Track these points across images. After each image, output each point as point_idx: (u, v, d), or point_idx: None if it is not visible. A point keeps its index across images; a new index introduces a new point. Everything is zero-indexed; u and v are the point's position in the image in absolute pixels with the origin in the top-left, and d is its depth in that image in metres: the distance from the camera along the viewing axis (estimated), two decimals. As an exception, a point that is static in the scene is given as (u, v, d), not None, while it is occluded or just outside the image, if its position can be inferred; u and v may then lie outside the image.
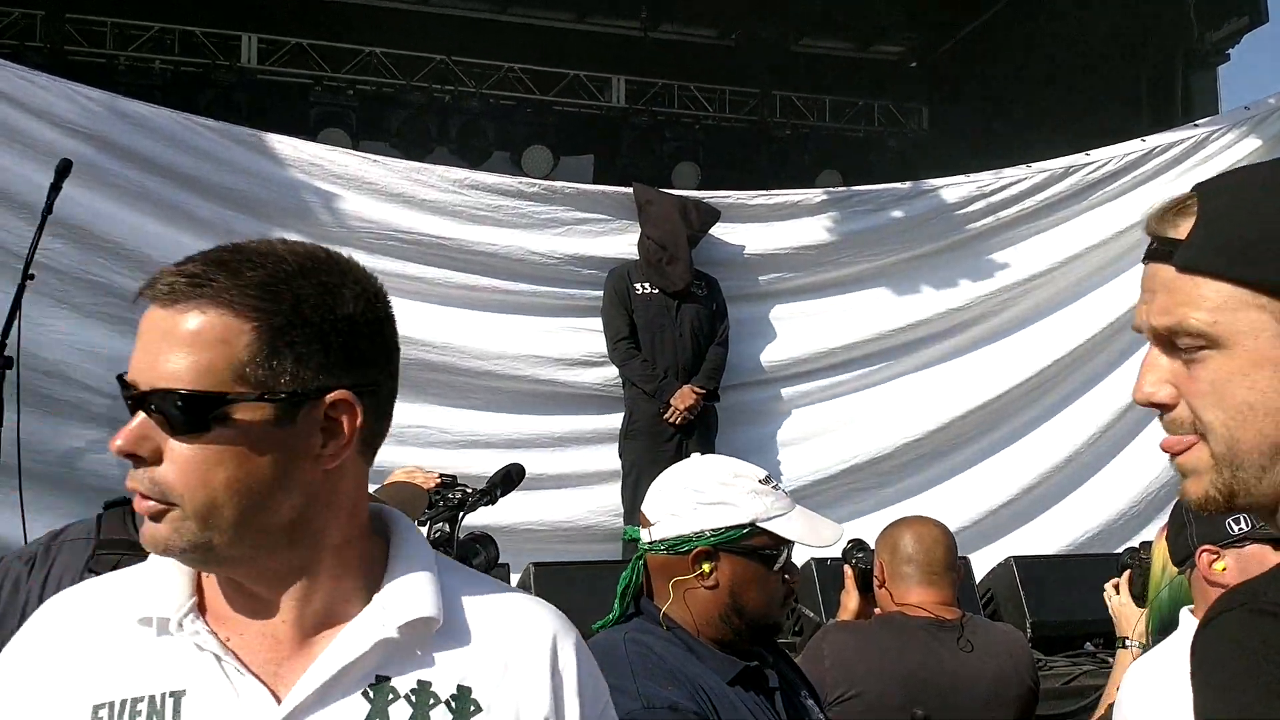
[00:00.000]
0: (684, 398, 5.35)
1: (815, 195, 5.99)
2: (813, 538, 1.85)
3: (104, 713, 1.03)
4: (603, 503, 5.43)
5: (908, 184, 6.12)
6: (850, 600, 2.93)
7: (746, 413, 5.73)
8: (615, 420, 5.51)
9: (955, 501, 5.66)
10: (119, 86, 5.59)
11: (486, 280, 5.46)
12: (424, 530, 2.39)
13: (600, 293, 5.55)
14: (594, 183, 7.16)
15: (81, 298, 4.81)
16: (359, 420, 1.06)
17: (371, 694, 1.05)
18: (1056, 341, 6.02)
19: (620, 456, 5.44)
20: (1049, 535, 5.79)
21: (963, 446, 5.89)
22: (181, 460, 0.99)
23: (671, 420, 5.34)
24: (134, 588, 1.10)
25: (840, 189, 6.33)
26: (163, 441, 1.00)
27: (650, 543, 1.84)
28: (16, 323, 4.10)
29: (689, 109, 9.35)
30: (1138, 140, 6.26)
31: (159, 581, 1.08)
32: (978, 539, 5.65)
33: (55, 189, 4.22)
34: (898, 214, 5.95)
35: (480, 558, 2.59)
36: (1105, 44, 8.21)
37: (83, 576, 1.53)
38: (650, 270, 5.48)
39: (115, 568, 1.51)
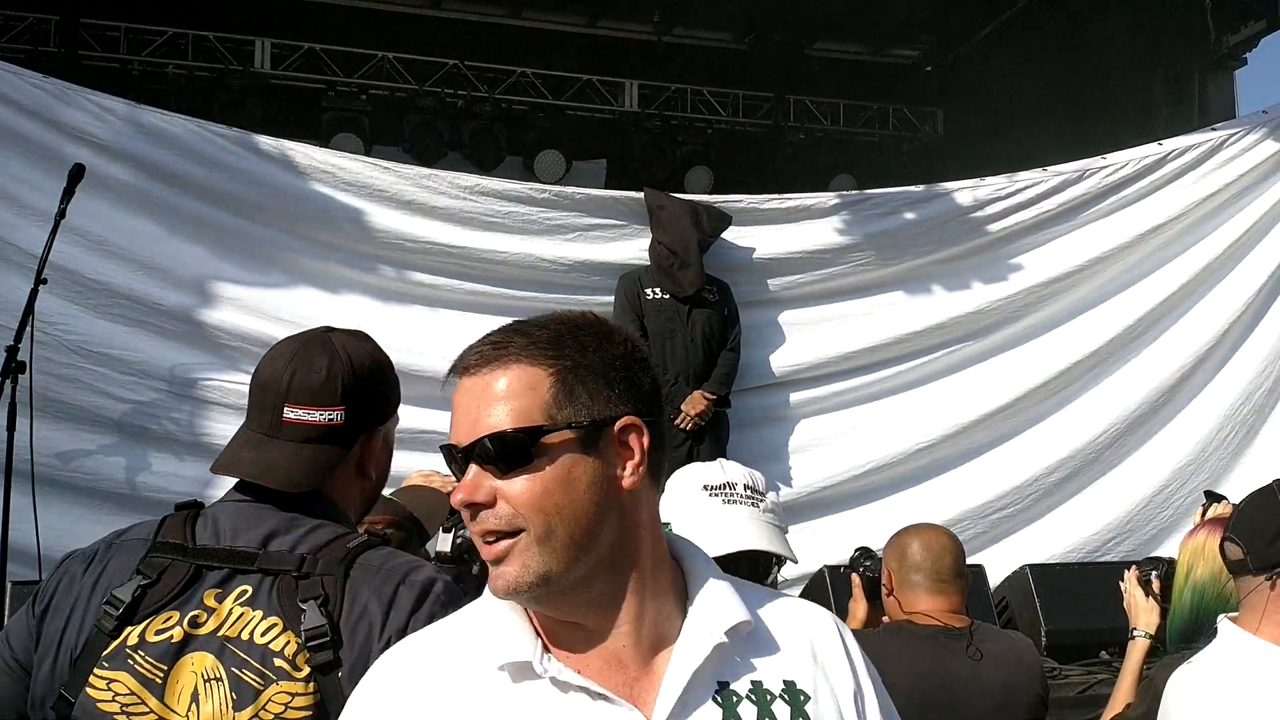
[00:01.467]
0: (695, 403, 5.33)
1: (828, 199, 5.97)
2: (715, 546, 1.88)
3: None
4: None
5: (921, 187, 6.08)
6: (858, 609, 2.92)
7: (758, 418, 5.71)
8: (626, 425, 5.49)
9: (968, 507, 5.64)
10: (132, 91, 5.63)
11: (497, 287, 5.46)
12: (448, 537, 2.38)
13: (611, 298, 5.53)
14: (606, 187, 7.16)
15: (94, 304, 4.83)
16: (646, 441, 1.18)
17: (719, 699, 1.16)
18: (1072, 347, 5.98)
19: (631, 462, 5.41)
20: (1064, 541, 5.75)
21: (976, 452, 5.85)
22: (514, 494, 1.14)
23: (682, 426, 5.32)
24: (476, 634, 1.20)
25: (853, 192, 6.30)
26: (494, 486, 1.14)
27: None
28: (29, 327, 4.12)
29: (702, 113, 9.34)
30: (1154, 144, 6.21)
31: (504, 627, 1.19)
32: (991, 544, 5.63)
33: (68, 194, 4.25)
34: (911, 217, 5.92)
35: None
36: (1121, 47, 8.16)
37: (131, 578, 1.54)
38: (661, 275, 5.47)
39: (163, 572, 1.53)
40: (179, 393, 4.86)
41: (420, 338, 5.34)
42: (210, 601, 1.52)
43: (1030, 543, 5.71)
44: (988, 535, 5.67)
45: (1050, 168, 6.09)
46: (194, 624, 1.50)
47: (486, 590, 1.23)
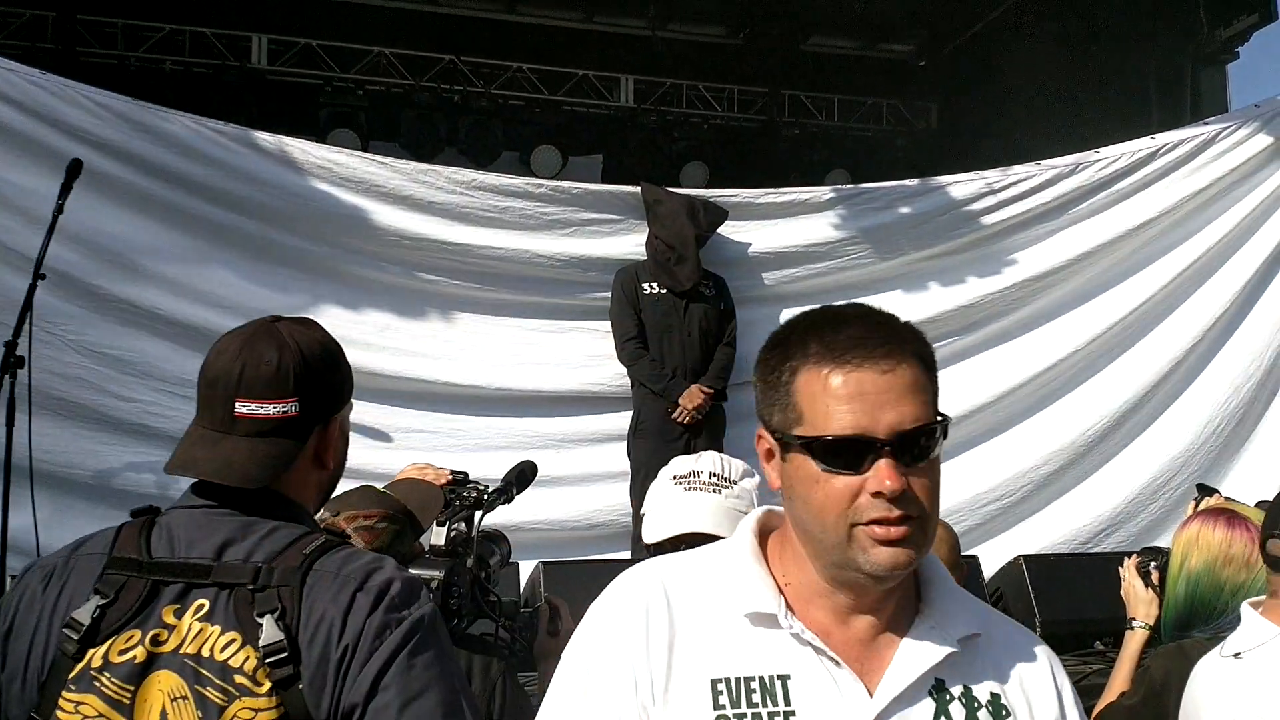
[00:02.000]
0: (692, 397, 5.35)
1: (823, 193, 5.99)
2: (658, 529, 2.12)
3: (721, 686, 1.22)
4: (611, 502, 5.44)
5: (916, 181, 6.11)
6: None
7: (754, 412, 5.73)
8: (623, 420, 5.52)
9: (962, 499, 5.66)
10: (129, 87, 5.61)
11: (495, 281, 5.47)
12: (442, 530, 2.39)
13: (608, 293, 5.55)
14: (602, 182, 7.17)
15: (93, 302, 4.84)
16: None
17: (934, 695, 1.26)
18: (1065, 339, 6.02)
19: (629, 456, 5.44)
20: (1056, 532, 5.80)
21: (970, 444, 5.88)
22: (919, 485, 1.23)
23: (680, 420, 5.35)
24: (724, 580, 1.30)
25: (848, 186, 6.33)
26: (905, 482, 1.22)
27: None
28: (28, 323, 4.13)
29: (697, 108, 9.36)
30: (1147, 138, 6.24)
31: (750, 580, 1.29)
32: (985, 536, 5.66)
33: (66, 189, 4.25)
34: (906, 211, 5.94)
35: (497, 556, 2.60)
36: (1114, 41, 8.19)
37: (90, 598, 1.53)
38: (658, 270, 5.49)
39: (120, 590, 1.52)
40: (177, 391, 4.86)
41: (418, 333, 5.37)
42: (169, 618, 1.51)
43: (1023, 534, 5.74)
44: (982, 527, 5.70)
45: (1044, 162, 6.12)
46: (156, 642, 1.50)
47: (730, 541, 1.36)
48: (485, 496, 2.53)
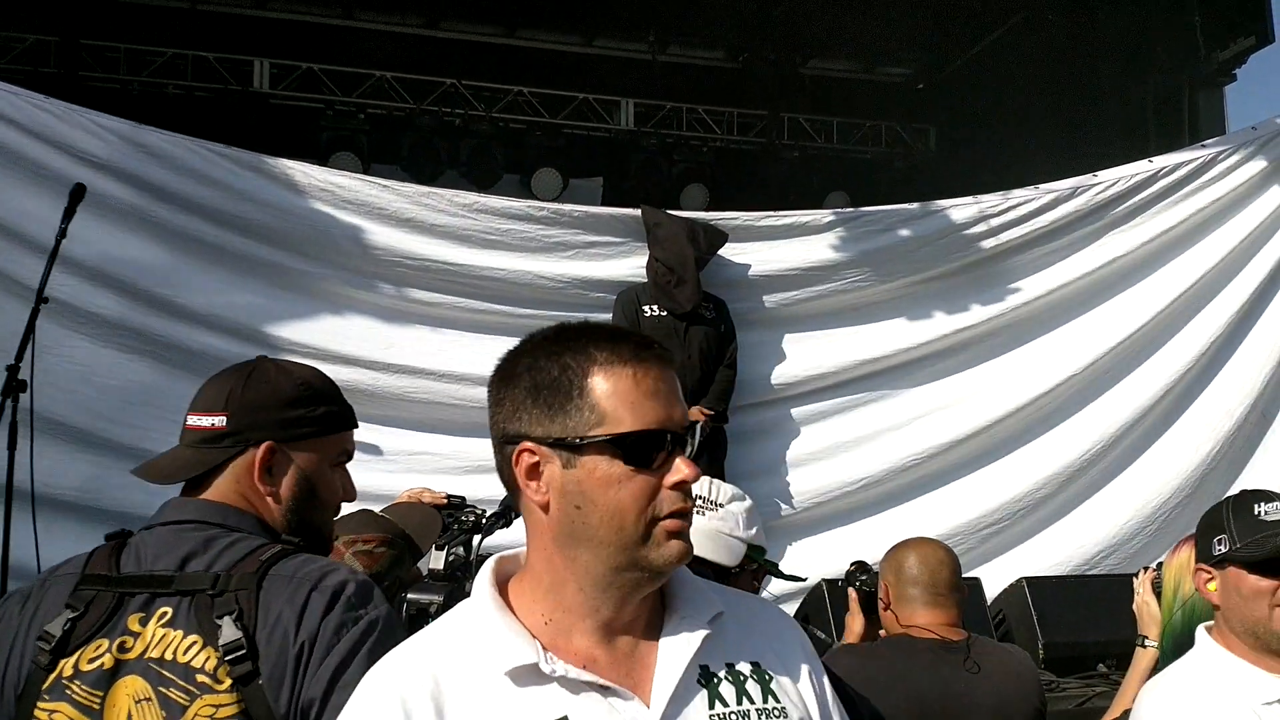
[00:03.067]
0: (692, 419, 5.35)
1: (823, 216, 6.00)
2: None
3: None
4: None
5: (916, 205, 6.13)
6: (855, 623, 2.93)
7: (754, 433, 5.74)
8: (624, 442, 5.50)
9: (963, 521, 5.66)
10: (132, 111, 5.64)
11: (495, 304, 5.47)
12: (440, 554, 2.39)
13: (609, 315, 5.56)
14: (603, 204, 7.20)
15: (95, 327, 4.84)
16: None
17: (703, 683, 1.29)
18: (1063, 362, 6.01)
19: (629, 478, 5.43)
20: (1055, 555, 5.78)
21: (971, 466, 5.88)
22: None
23: (680, 441, 5.34)
24: (474, 643, 1.26)
25: (848, 209, 6.34)
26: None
27: None
28: (31, 347, 4.13)
29: (697, 131, 9.41)
30: (1145, 161, 6.26)
31: (500, 634, 1.26)
32: (985, 559, 5.65)
33: (69, 213, 4.25)
34: (906, 234, 5.96)
35: None
36: (1112, 65, 8.24)
37: (61, 613, 1.61)
38: (658, 292, 5.50)
39: (90, 604, 1.60)
40: (179, 418, 4.84)
41: (419, 356, 5.37)
42: (135, 626, 1.59)
43: (1022, 557, 5.73)
44: (982, 550, 5.69)
45: (1042, 185, 6.14)
46: (122, 649, 1.57)
47: (470, 599, 1.32)
48: (483, 520, 2.53)
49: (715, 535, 2.17)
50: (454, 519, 2.53)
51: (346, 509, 2.39)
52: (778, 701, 1.31)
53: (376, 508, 2.50)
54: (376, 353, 5.26)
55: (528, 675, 1.23)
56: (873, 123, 9.83)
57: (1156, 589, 2.82)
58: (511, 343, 5.14)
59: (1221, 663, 2.06)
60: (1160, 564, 2.91)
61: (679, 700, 1.26)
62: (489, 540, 2.49)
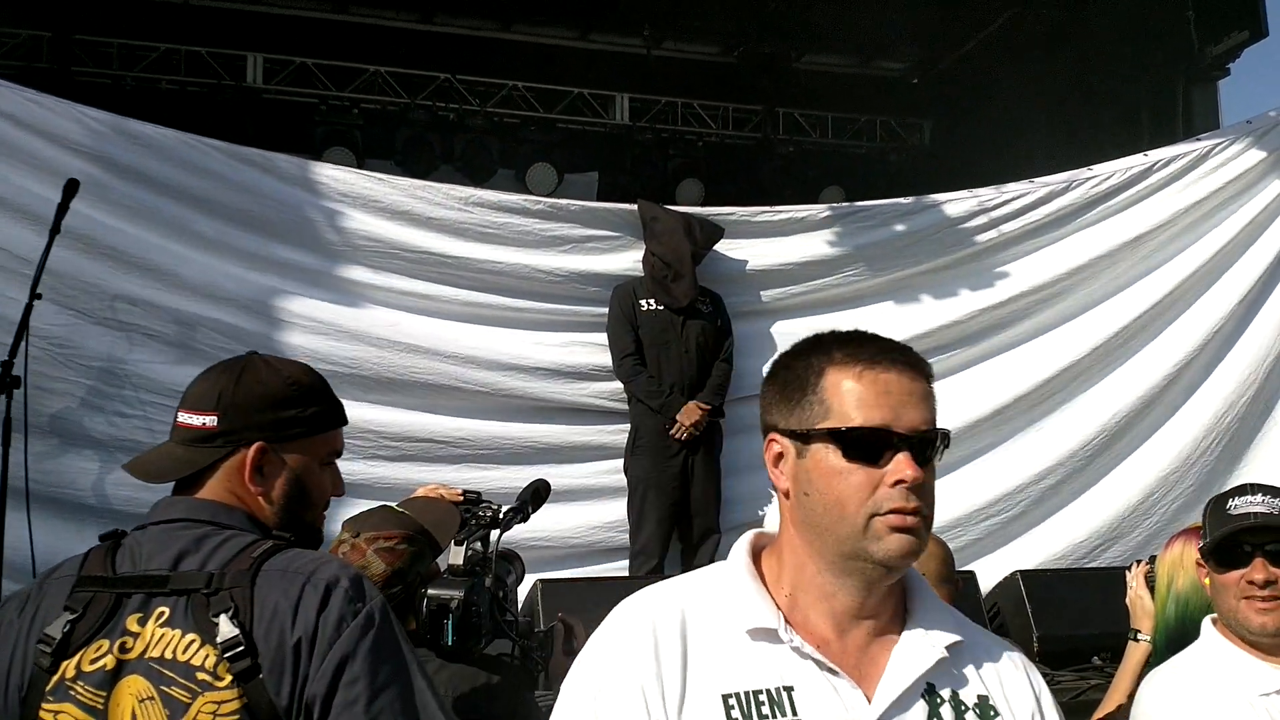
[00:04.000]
0: (689, 414, 5.36)
1: (818, 211, 6.01)
2: None
3: (733, 700, 1.28)
4: (608, 518, 5.44)
5: (910, 199, 6.14)
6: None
7: (751, 427, 5.73)
8: (621, 436, 5.52)
9: (958, 514, 5.67)
10: (125, 106, 5.63)
11: (492, 297, 5.48)
12: (459, 550, 2.40)
13: (605, 309, 5.56)
14: (598, 200, 7.19)
15: (88, 318, 4.82)
16: None
17: (926, 699, 1.33)
18: (1059, 354, 6.03)
19: (626, 472, 5.45)
20: (1052, 547, 5.79)
21: (966, 459, 5.88)
22: (928, 484, 1.33)
23: (677, 436, 5.35)
24: (724, 600, 1.36)
25: (843, 204, 6.35)
26: (922, 474, 1.32)
27: None
28: (24, 341, 4.13)
29: (692, 126, 9.39)
30: (1140, 155, 6.28)
31: (749, 597, 1.35)
32: (981, 551, 5.66)
33: (63, 209, 4.26)
34: (901, 229, 5.97)
35: (513, 575, 2.61)
36: (1106, 59, 8.24)
37: (60, 615, 1.63)
38: (655, 287, 5.50)
39: (88, 605, 1.61)
40: (173, 406, 4.85)
41: (415, 347, 5.36)
42: (134, 626, 1.60)
43: (1019, 549, 5.75)
44: (978, 542, 5.70)
45: (1037, 179, 6.16)
46: (123, 650, 1.59)
47: (725, 563, 1.42)
48: (501, 516, 2.53)
49: None
50: (471, 514, 2.54)
51: (366, 505, 2.41)
52: None
53: (393, 502, 2.51)
54: (372, 344, 5.24)
55: (766, 637, 1.32)
56: (868, 117, 9.82)
57: (1150, 583, 2.81)
58: (509, 334, 5.17)
59: (1222, 654, 2.08)
60: (1154, 558, 2.93)
61: (900, 706, 1.30)
62: (507, 535, 2.50)
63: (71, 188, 4.29)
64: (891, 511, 1.30)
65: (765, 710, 1.28)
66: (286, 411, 1.78)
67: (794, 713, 1.28)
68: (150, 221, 5.00)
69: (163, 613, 1.60)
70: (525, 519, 2.62)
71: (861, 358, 1.36)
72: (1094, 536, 5.84)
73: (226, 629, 1.56)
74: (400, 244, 5.33)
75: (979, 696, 1.36)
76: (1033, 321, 6.09)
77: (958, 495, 5.79)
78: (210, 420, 1.74)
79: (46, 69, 7.79)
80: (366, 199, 5.31)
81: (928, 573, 2.66)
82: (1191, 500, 5.75)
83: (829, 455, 1.33)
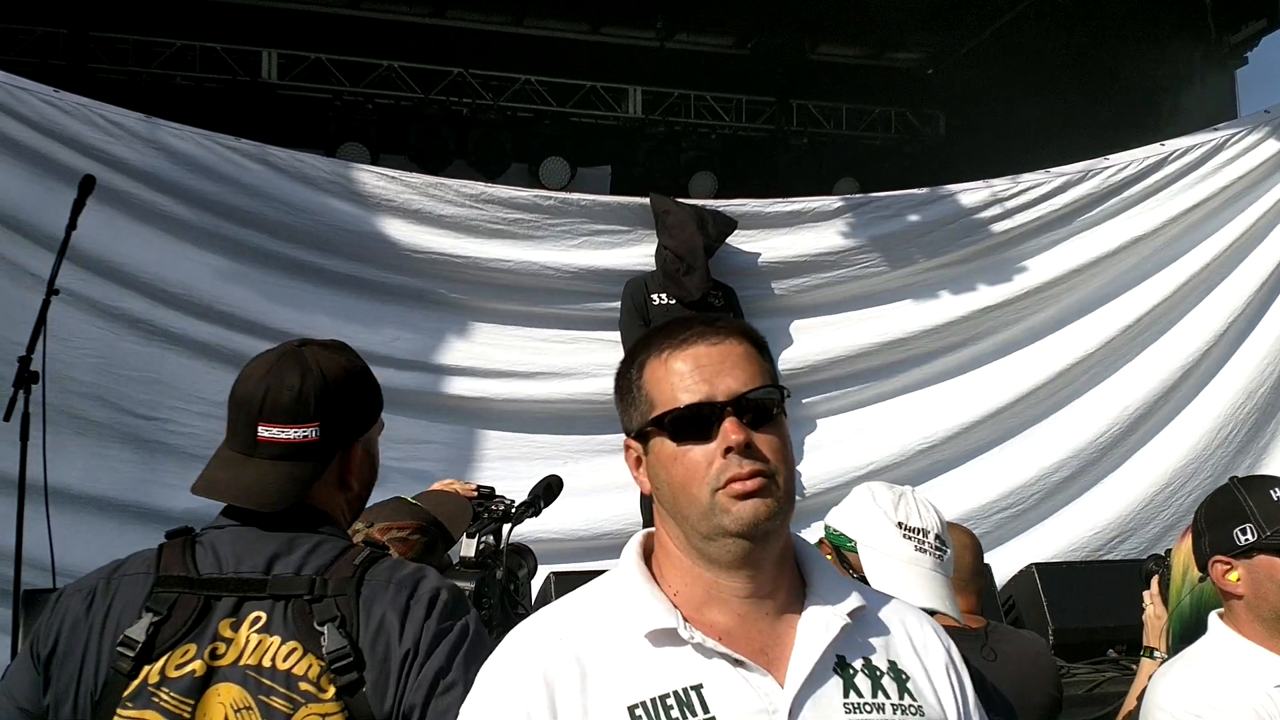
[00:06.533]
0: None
1: (832, 202, 5.98)
2: None
3: (639, 710, 1.24)
4: (620, 512, 5.43)
5: (925, 190, 6.10)
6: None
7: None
8: (633, 430, 5.51)
9: (973, 506, 5.65)
10: (140, 102, 5.64)
11: (504, 293, 5.49)
12: (471, 542, 2.42)
13: (618, 303, 5.56)
14: (611, 193, 7.19)
15: (107, 318, 4.85)
16: None
17: (839, 672, 1.31)
18: (1075, 346, 6.00)
19: (638, 467, 5.44)
20: (1067, 540, 5.77)
21: (981, 451, 5.87)
22: (767, 444, 1.30)
23: (690, 429, 5.34)
24: (618, 606, 1.33)
25: (857, 195, 6.32)
26: (749, 436, 1.29)
27: None
28: (42, 339, 4.15)
29: (705, 118, 9.37)
30: (1156, 144, 6.22)
31: (644, 600, 1.32)
32: (996, 544, 5.64)
33: (79, 205, 4.27)
34: (915, 220, 5.94)
35: (524, 569, 2.63)
36: (1122, 48, 8.18)
37: (140, 615, 1.55)
38: (667, 280, 5.49)
39: (172, 607, 1.54)
40: (191, 408, 4.87)
41: (427, 345, 5.38)
42: (226, 632, 1.54)
43: (1033, 542, 5.72)
44: (993, 535, 5.67)
45: (1053, 169, 6.11)
46: (214, 656, 1.52)
47: (617, 568, 1.38)
48: (513, 510, 2.55)
49: (949, 585, 2.18)
50: (484, 508, 2.56)
51: (378, 497, 2.43)
52: (914, 700, 1.33)
53: (408, 495, 2.53)
54: (384, 343, 5.27)
55: (666, 640, 1.29)
56: (882, 108, 9.78)
57: (1165, 575, 2.82)
58: (519, 331, 5.19)
59: (1235, 647, 2.07)
60: (1169, 551, 2.93)
61: (813, 683, 1.28)
62: (519, 529, 2.51)
63: (88, 184, 4.30)
64: (729, 481, 1.28)
65: (675, 713, 1.24)
66: (363, 402, 1.74)
67: (705, 710, 1.24)
68: (166, 221, 5.02)
69: (259, 618, 1.54)
70: (537, 513, 2.63)
71: (669, 343, 1.35)
72: (1109, 529, 5.81)
73: (334, 639, 1.51)
74: (412, 243, 5.34)
75: (890, 661, 1.35)
76: (1049, 313, 6.05)
77: (973, 488, 5.78)
78: (312, 432, 1.65)
79: (62, 66, 7.82)
80: (379, 198, 5.32)
81: (962, 565, 2.66)
82: (1209, 492, 5.71)
83: (664, 444, 1.32)
